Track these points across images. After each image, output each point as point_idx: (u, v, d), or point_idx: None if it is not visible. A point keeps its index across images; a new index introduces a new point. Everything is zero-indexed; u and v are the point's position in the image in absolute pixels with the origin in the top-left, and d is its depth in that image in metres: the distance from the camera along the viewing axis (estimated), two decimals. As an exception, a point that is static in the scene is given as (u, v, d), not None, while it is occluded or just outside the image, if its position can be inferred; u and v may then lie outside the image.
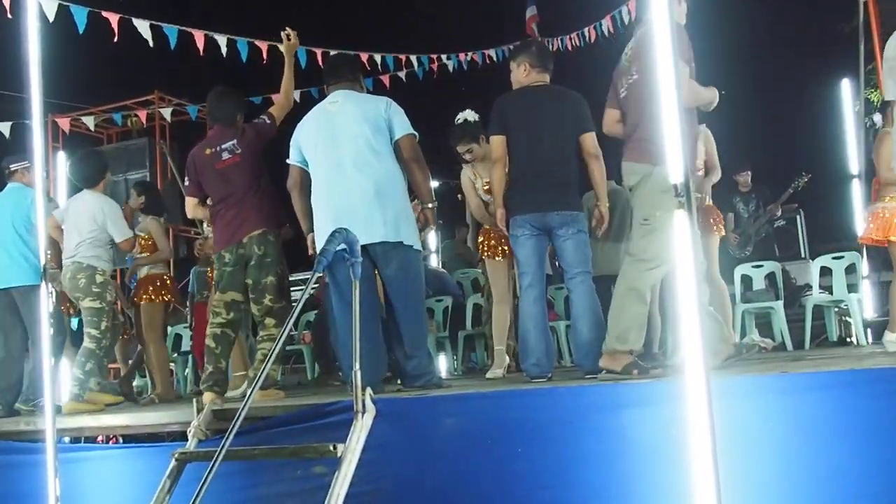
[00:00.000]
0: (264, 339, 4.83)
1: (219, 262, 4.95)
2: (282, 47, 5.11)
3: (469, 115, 5.41)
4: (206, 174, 4.96)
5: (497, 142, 4.56)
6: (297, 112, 5.12)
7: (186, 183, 5.17)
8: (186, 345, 8.01)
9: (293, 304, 4.99)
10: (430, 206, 4.54)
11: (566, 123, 4.46)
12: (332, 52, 7.30)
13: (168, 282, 6.43)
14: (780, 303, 6.75)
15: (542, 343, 4.39)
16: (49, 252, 6.33)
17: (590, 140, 4.48)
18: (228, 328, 4.87)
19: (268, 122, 4.96)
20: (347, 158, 4.33)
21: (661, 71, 2.78)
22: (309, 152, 4.48)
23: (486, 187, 5.26)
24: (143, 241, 6.27)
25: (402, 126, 4.41)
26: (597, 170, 4.51)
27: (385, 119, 4.39)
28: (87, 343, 5.45)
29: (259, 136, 4.93)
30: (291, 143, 4.56)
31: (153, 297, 6.27)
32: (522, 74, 4.58)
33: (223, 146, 4.89)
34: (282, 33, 5.05)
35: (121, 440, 6.01)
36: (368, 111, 4.40)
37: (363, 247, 4.10)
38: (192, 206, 5.17)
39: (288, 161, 4.61)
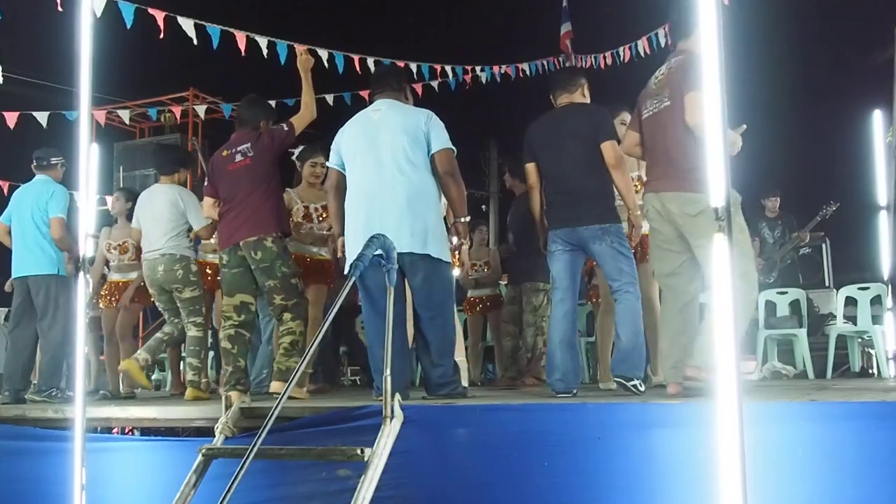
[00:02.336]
0: (283, 333, 4.88)
1: (220, 263, 5.07)
2: (298, 65, 5.20)
3: None
4: (220, 175, 5.08)
5: (529, 169, 4.74)
6: (333, 116, 5.20)
7: (206, 183, 5.29)
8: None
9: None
10: (462, 220, 4.58)
11: (587, 136, 4.52)
12: (370, 59, 7.40)
13: None
14: (804, 330, 6.73)
15: (569, 359, 4.41)
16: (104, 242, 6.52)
17: (610, 149, 4.51)
18: (242, 328, 4.96)
19: (285, 129, 5.03)
20: (384, 167, 4.38)
21: (707, 93, 2.80)
22: (348, 157, 4.53)
23: None
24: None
25: (440, 140, 4.44)
26: (619, 179, 4.54)
27: (424, 132, 4.42)
28: (194, 332, 5.59)
29: (273, 142, 4.99)
30: (332, 146, 4.62)
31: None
32: (555, 103, 4.77)
33: (238, 148, 5.00)
34: (297, 50, 5.16)
35: (136, 433, 6.05)
36: (408, 122, 4.43)
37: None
38: (208, 206, 5.25)
39: (328, 164, 4.69)
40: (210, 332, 7.40)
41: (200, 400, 5.24)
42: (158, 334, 5.75)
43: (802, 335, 6.67)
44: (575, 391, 4.38)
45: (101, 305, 6.58)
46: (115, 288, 6.53)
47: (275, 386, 4.76)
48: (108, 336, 6.55)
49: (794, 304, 7.08)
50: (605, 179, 4.55)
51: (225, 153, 5.07)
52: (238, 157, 4.98)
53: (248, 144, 4.98)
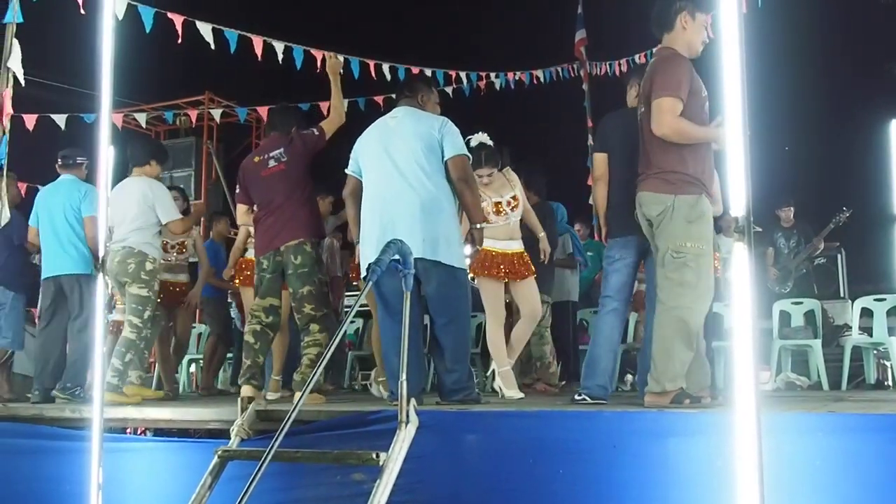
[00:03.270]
0: (310, 344, 4.88)
1: (258, 267, 5.07)
2: (327, 68, 5.25)
3: (484, 138, 5.32)
4: (253, 181, 5.11)
5: (599, 159, 4.61)
6: (347, 122, 5.24)
7: (237, 190, 5.32)
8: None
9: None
10: (478, 226, 4.57)
11: None
12: (385, 65, 7.42)
13: None
14: (819, 341, 6.69)
15: (611, 369, 4.41)
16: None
17: None
18: (268, 328, 5.00)
19: (316, 133, 5.06)
20: (398, 173, 4.39)
21: (727, 99, 2.79)
22: (365, 163, 4.56)
23: (494, 208, 5.26)
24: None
25: (454, 146, 4.45)
26: None
27: (438, 138, 4.43)
28: (127, 333, 5.47)
29: (306, 147, 5.02)
30: (352, 153, 4.65)
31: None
32: (633, 97, 4.58)
33: (271, 154, 5.03)
34: (325, 55, 5.20)
35: (149, 433, 6.06)
36: (423, 129, 4.45)
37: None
38: (241, 213, 5.31)
39: (346, 171, 4.70)
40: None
41: (116, 404, 5.04)
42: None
43: (817, 346, 6.62)
44: (607, 400, 4.30)
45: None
46: (163, 288, 6.39)
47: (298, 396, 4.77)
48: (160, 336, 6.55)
49: (809, 315, 7.04)
50: None
51: (257, 159, 5.10)
52: (272, 163, 5.01)
53: (282, 150, 5.01)
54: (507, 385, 5.11)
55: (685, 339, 3.83)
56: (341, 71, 5.49)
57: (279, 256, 4.92)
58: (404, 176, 4.38)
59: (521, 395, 5.12)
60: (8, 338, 6.28)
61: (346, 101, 8.40)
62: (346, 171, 4.69)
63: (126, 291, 5.56)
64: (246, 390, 4.74)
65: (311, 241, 4.92)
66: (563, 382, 6.22)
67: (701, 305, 3.92)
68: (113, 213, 5.62)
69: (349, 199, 4.68)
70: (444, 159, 4.43)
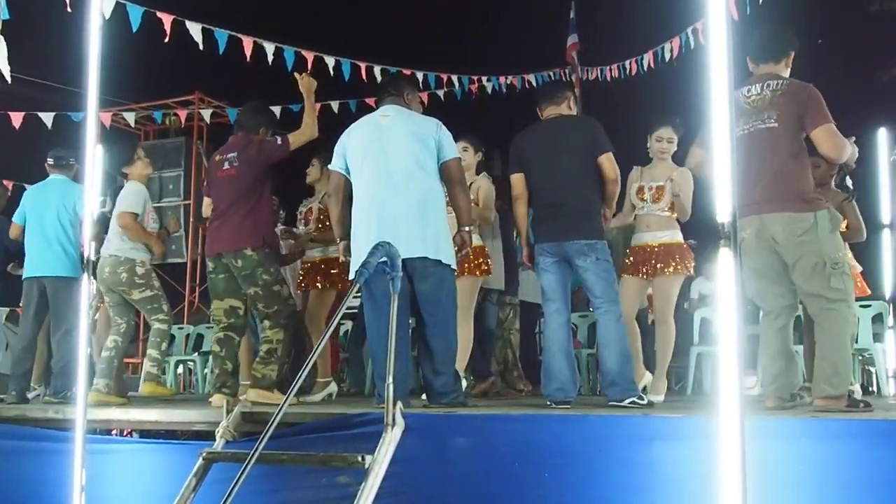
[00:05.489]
0: (262, 340, 4.94)
1: (207, 270, 5.14)
2: (301, 87, 5.11)
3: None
4: (212, 179, 5.14)
5: (516, 179, 4.72)
6: (338, 123, 5.20)
7: (205, 183, 5.36)
8: (207, 345, 8.06)
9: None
10: (467, 228, 4.59)
11: (581, 150, 4.55)
12: (376, 67, 7.42)
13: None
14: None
15: (567, 369, 4.42)
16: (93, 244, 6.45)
17: (608, 163, 4.57)
18: (230, 331, 5.01)
19: (279, 142, 4.98)
20: (396, 172, 4.39)
21: (715, 108, 2.81)
22: (355, 161, 4.53)
23: None
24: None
25: (451, 149, 4.51)
26: (614, 191, 4.63)
27: (435, 140, 4.46)
28: (158, 325, 5.53)
29: (261, 154, 4.94)
30: (336, 149, 4.61)
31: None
32: (542, 115, 4.76)
33: (227, 156, 5.02)
34: (297, 76, 5.15)
35: (136, 435, 6.03)
36: (419, 130, 4.47)
37: (402, 260, 4.15)
38: (206, 206, 5.31)
39: (329, 167, 4.67)
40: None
41: (158, 395, 5.18)
42: (104, 352, 5.58)
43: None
44: (572, 401, 4.38)
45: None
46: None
47: (250, 394, 4.76)
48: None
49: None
50: (595, 194, 4.58)
51: (218, 158, 5.10)
52: (225, 165, 5.00)
53: (235, 153, 4.97)
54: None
55: (851, 342, 4.04)
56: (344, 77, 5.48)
57: (223, 259, 4.94)
58: (402, 175, 4.39)
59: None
60: None
61: (336, 104, 8.46)
62: (330, 167, 4.66)
63: (131, 301, 5.56)
64: (217, 399, 4.71)
65: (252, 246, 4.86)
66: (529, 388, 6.23)
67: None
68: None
69: (336, 196, 4.62)
70: (442, 161, 4.47)
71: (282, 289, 4.98)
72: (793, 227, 3.99)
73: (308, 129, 5.01)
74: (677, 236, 5.16)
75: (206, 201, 5.28)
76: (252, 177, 4.93)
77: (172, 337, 5.65)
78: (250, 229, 4.88)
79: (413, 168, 4.40)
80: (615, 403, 4.25)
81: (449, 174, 4.49)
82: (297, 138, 4.99)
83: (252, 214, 4.90)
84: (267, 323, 4.91)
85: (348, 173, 4.57)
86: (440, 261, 4.36)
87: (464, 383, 5.11)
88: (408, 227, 4.30)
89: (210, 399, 5.25)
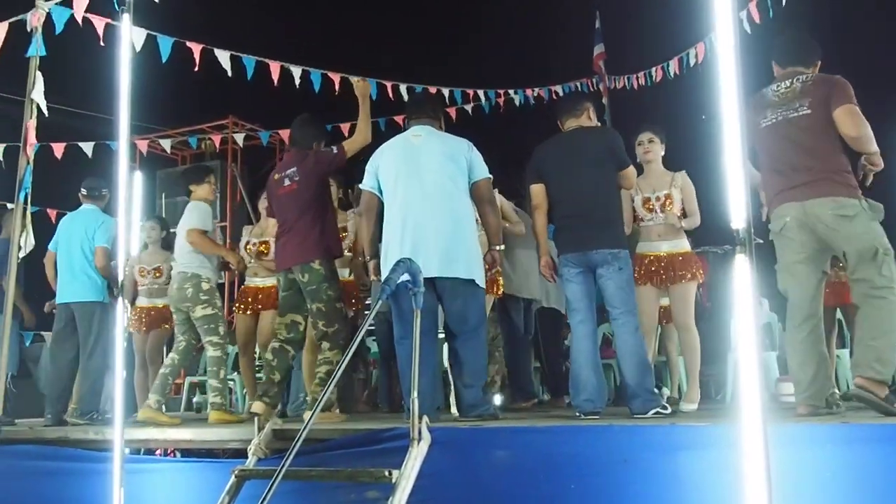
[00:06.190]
0: (321, 362, 4.93)
1: (278, 284, 5.20)
2: (356, 91, 5.30)
3: None
4: (273, 198, 5.20)
5: (535, 190, 4.73)
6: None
7: (266, 204, 5.49)
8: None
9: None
10: (497, 248, 4.66)
11: (604, 161, 4.56)
12: (402, 86, 7.49)
13: None
14: (846, 351, 6.61)
15: (594, 379, 4.41)
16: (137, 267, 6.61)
17: (631, 175, 4.65)
18: (287, 345, 5.06)
19: (334, 151, 5.07)
20: (430, 192, 4.46)
21: (725, 113, 2.80)
22: (387, 180, 4.59)
23: None
24: None
25: (482, 169, 4.59)
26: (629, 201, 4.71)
27: (467, 160, 4.55)
28: (211, 352, 5.59)
29: (319, 165, 5.04)
30: (368, 168, 4.68)
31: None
32: (562, 127, 4.81)
33: (286, 172, 5.09)
34: (353, 80, 5.33)
35: (178, 454, 6.13)
36: (452, 150, 4.56)
37: (432, 279, 4.24)
38: (272, 226, 5.46)
39: (361, 186, 4.72)
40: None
41: (225, 422, 5.25)
42: (161, 369, 5.70)
43: (844, 355, 6.55)
44: (601, 411, 4.38)
45: (129, 329, 6.66)
46: (143, 312, 6.66)
47: (308, 414, 4.81)
48: (139, 361, 6.67)
49: (838, 324, 6.95)
50: (616, 204, 4.62)
51: (276, 177, 5.18)
52: (286, 182, 5.07)
53: (295, 168, 5.05)
54: None
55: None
56: (372, 96, 5.60)
57: (291, 274, 4.99)
58: (435, 195, 4.46)
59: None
60: None
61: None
62: (362, 186, 4.71)
63: (192, 317, 5.63)
64: (256, 406, 4.82)
65: (320, 260, 4.93)
66: (534, 401, 6.23)
67: None
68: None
69: (367, 216, 4.68)
70: (473, 181, 4.56)
71: (343, 307, 5.06)
72: (841, 211, 3.93)
73: (362, 135, 5.11)
74: (686, 244, 5.19)
75: (271, 221, 5.41)
76: (313, 189, 5.02)
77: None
78: (316, 241, 4.96)
79: (447, 187, 4.47)
80: (639, 416, 4.23)
81: (479, 194, 4.57)
82: (351, 144, 5.08)
83: (317, 226, 4.99)
84: (326, 344, 4.93)
85: (380, 193, 4.63)
86: (473, 280, 4.44)
87: (497, 399, 5.13)
88: (444, 246, 4.38)
89: (249, 404, 5.37)
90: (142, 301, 6.71)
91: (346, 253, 5.70)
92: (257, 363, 6.41)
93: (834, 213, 3.93)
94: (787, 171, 4.07)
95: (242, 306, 6.17)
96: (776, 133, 4.11)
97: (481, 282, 4.51)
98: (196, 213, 5.72)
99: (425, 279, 4.17)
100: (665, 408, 4.27)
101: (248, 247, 6.26)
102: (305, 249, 4.93)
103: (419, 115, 4.75)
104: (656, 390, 4.51)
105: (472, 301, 4.46)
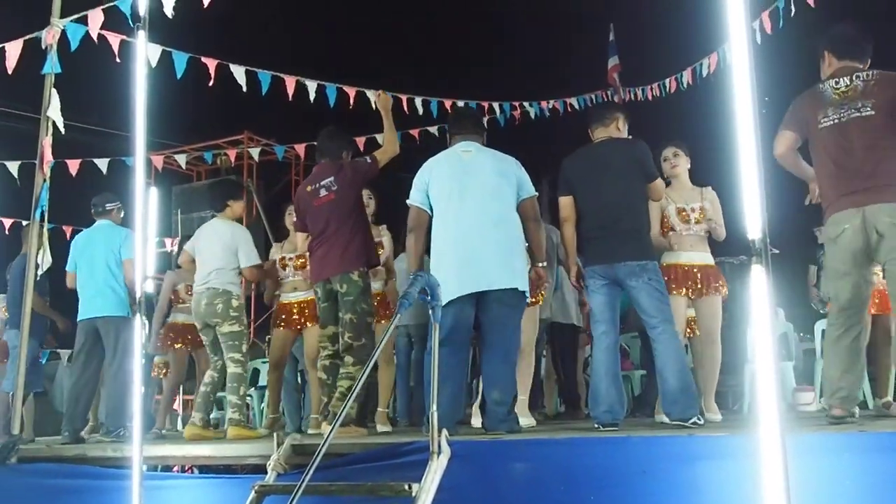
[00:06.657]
0: (343, 376, 4.93)
1: (316, 297, 5.20)
2: (378, 105, 5.41)
3: None
4: (308, 210, 5.21)
5: (564, 202, 4.74)
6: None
7: (294, 218, 5.50)
8: (263, 379, 8.18)
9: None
10: (542, 264, 4.70)
11: (632, 173, 4.58)
12: (417, 99, 7.52)
13: None
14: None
15: (613, 391, 4.41)
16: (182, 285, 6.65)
17: (660, 187, 4.69)
18: (336, 358, 5.06)
19: (369, 161, 5.13)
20: (481, 208, 4.49)
21: (739, 123, 2.80)
22: (439, 196, 4.60)
23: None
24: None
25: (529, 187, 4.64)
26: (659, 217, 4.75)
27: (516, 177, 4.59)
28: (232, 369, 5.59)
29: (356, 174, 5.09)
30: (416, 184, 4.66)
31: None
32: (592, 136, 4.81)
33: (322, 183, 5.11)
34: (372, 94, 5.42)
35: (196, 471, 6.15)
36: (503, 167, 4.60)
37: (477, 293, 4.35)
38: (302, 240, 5.44)
39: (409, 202, 4.69)
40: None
41: (244, 438, 5.26)
42: (202, 387, 5.75)
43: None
44: (619, 423, 4.38)
45: (173, 346, 6.70)
46: (181, 329, 6.68)
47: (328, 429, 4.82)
48: (177, 377, 6.72)
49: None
50: (643, 215, 4.63)
51: (309, 188, 5.20)
52: (322, 192, 5.10)
53: (332, 178, 5.09)
54: (521, 413, 5.08)
55: None
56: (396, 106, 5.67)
57: (329, 285, 5.01)
58: (486, 211, 4.49)
59: (534, 421, 5.18)
60: (10, 381, 6.28)
61: (381, 137, 8.56)
62: (410, 202, 4.68)
63: (218, 332, 5.64)
64: (325, 427, 4.85)
65: (358, 271, 4.97)
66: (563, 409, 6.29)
67: None
68: (197, 254, 5.82)
69: (416, 232, 4.64)
70: (521, 199, 4.59)
71: (372, 322, 5.08)
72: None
73: (390, 147, 5.20)
74: (710, 257, 5.18)
75: (301, 236, 5.42)
76: (353, 198, 5.09)
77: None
78: (358, 252, 5.01)
79: (501, 205, 4.51)
80: (679, 423, 4.20)
81: (526, 212, 4.61)
82: (382, 156, 5.17)
83: (357, 236, 5.03)
84: (350, 359, 4.94)
85: (430, 209, 4.64)
86: (524, 293, 4.49)
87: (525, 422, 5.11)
88: (500, 261, 4.41)
89: (270, 419, 5.41)
90: (178, 317, 6.76)
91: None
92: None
93: (892, 220, 3.85)
94: (848, 175, 3.97)
95: (284, 322, 6.04)
96: (837, 133, 4.01)
97: (528, 296, 4.57)
98: (250, 247, 5.75)
99: (467, 295, 4.21)
100: (700, 418, 4.25)
101: (283, 262, 6.14)
102: (346, 260, 4.97)
103: (464, 131, 4.77)
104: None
105: (517, 313, 4.51)
